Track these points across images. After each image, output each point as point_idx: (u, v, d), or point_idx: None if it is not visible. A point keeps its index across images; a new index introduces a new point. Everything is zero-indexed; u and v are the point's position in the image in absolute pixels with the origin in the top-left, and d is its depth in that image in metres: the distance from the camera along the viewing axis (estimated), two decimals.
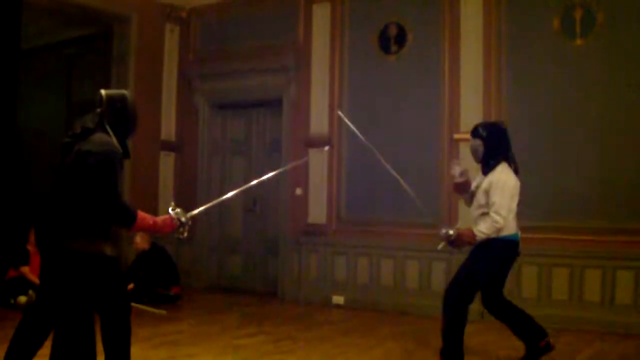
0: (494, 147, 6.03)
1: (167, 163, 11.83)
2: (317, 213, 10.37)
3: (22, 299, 9.00)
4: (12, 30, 10.13)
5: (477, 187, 6.12)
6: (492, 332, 7.53)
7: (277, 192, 10.92)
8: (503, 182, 5.91)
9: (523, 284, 8.74)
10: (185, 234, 4.88)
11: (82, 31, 12.34)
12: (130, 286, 9.81)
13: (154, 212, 11.41)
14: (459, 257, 6.95)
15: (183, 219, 4.83)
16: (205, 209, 5.29)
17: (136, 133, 10.84)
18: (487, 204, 5.93)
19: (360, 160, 9.97)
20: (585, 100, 8.62)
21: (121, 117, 4.81)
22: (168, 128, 11.86)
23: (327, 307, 9.94)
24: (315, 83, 10.48)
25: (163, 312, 9.14)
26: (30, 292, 8.97)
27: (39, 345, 4.78)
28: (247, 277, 11.49)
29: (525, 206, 6.45)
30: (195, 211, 5.00)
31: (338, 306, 9.92)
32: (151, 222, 4.72)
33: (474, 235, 5.89)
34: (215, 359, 6.68)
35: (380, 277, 9.86)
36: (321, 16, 10.46)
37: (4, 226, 9.86)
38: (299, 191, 10.51)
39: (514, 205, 5.96)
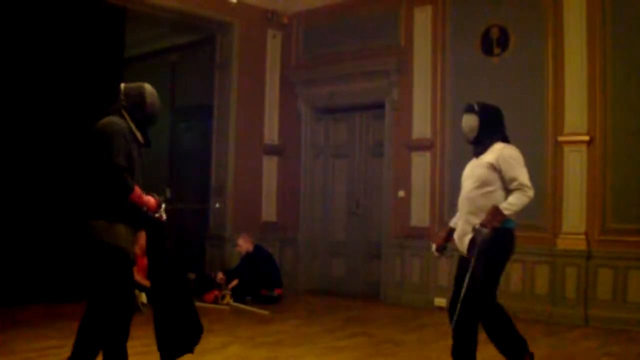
0: (488, 124, 5.48)
1: (270, 166, 11.95)
2: (420, 216, 10.33)
3: None
4: (116, 39, 10.41)
5: (469, 173, 5.67)
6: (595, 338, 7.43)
7: (379, 195, 10.98)
8: (516, 155, 5.37)
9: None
10: (164, 216, 5.28)
11: (186, 38, 12.61)
12: (234, 282, 10.04)
13: (258, 214, 11.68)
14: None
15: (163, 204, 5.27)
16: None
17: (240, 137, 10.96)
18: (495, 181, 5.38)
19: (463, 163, 9.89)
20: None
21: (137, 106, 5.28)
22: (271, 132, 11.97)
23: (430, 309, 9.91)
24: (418, 86, 10.44)
25: (265, 312, 9.28)
26: (136, 291, 9.21)
27: None
28: (349, 279, 11.54)
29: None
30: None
31: (440, 309, 9.86)
32: (140, 193, 5.06)
33: (501, 212, 5.18)
34: None
35: None
36: (422, 19, 10.42)
37: None
38: (401, 194, 10.51)
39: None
